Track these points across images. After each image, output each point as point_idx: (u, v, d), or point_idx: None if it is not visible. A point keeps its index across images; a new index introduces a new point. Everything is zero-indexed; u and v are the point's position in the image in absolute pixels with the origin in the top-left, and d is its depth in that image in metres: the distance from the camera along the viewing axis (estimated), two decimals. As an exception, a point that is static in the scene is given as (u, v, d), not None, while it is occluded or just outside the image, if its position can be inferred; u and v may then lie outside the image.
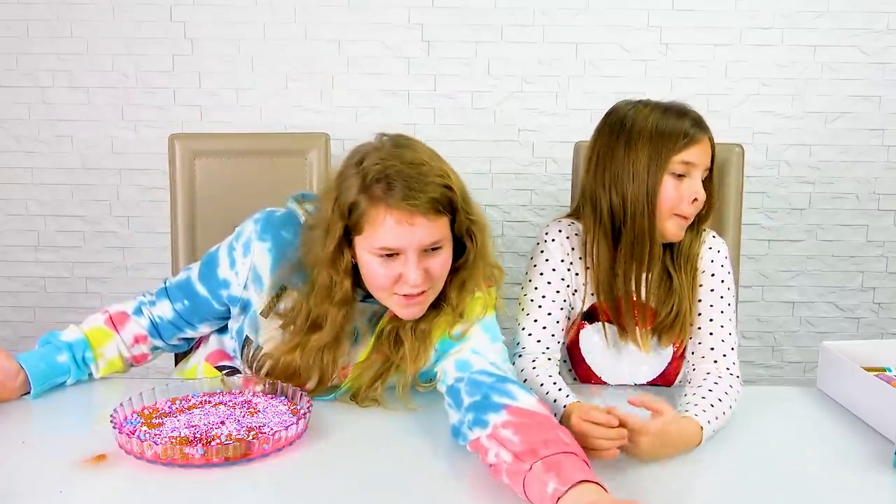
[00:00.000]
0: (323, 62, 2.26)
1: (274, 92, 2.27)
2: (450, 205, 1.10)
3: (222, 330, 1.33)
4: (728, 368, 1.26)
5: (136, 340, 1.30)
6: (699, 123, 1.27)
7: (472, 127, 2.29)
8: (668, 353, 1.36)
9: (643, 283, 1.31)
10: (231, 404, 1.16)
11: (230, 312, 1.27)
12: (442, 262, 1.13)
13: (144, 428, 1.07)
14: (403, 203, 1.05)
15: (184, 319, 1.30)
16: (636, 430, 1.02)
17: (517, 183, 2.32)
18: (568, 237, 1.34)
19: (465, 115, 2.28)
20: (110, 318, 1.30)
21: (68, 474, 0.99)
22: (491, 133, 2.29)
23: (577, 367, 1.39)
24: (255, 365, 1.24)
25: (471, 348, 1.17)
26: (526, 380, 1.22)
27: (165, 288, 1.31)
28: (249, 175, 1.73)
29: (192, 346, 1.39)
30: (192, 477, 0.99)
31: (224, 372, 1.30)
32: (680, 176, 1.25)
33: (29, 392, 1.21)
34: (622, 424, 1.03)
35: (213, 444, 1.03)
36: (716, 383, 1.20)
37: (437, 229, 1.09)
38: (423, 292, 1.13)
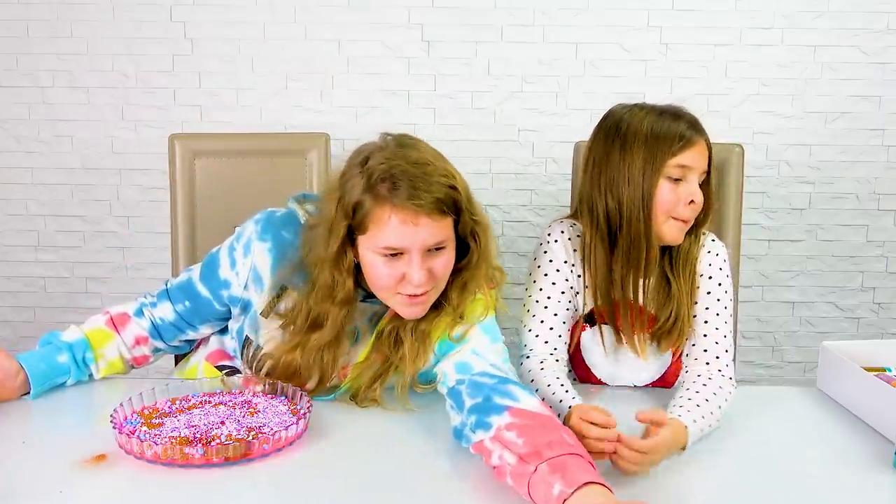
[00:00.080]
0: (323, 62, 2.26)
1: (274, 92, 2.27)
2: (454, 205, 1.10)
3: (223, 330, 1.33)
4: (720, 370, 1.25)
5: (137, 342, 1.30)
6: (695, 126, 1.26)
7: (472, 127, 2.29)
8: (667, 356, 1.35)
9: (640, 288, 1.30)
10: (231, 404, 1.16)
11: (231, 313, 1.27)
12: (445, 263, 1.13)
13: (144, 428, 1.07)
14: (408, 203, 1.05)
15: (185, 321, 1.30)
16: (625, 443, 1.01)
17: (517, 183, 2.32)
18: (570, 238, 1.33)
19: (465, 115, 2.28)
20: (111, 319, 1.30)
21: (68, 474, 0.99)
22: (491, 133, 2.29)
23: (577, 368, 1.39)
24: (255, 365, 1.24)
25: (471, 349, 1.17)
26: (533, 380, 1.22)
27: (166, 289, 1.31)
28: (249, 175, 1.73)
29: (193, 347, 1.39)
30: (192, 477, 0.99)
31: (224, 372, 1.30)
32: (676, 180, 1.25)
33: (29, 392, 1.21)
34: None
35: (213, 444, 1.03)
36: (704, 385, 1.20)
37: (441, 229, 1.09)
38: (425, 292, 1.13)
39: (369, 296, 1.19)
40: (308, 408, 1.12)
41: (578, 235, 1.34)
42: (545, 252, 1.33)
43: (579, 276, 1.33)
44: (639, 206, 1.24)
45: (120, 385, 1.29)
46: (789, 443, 1.14)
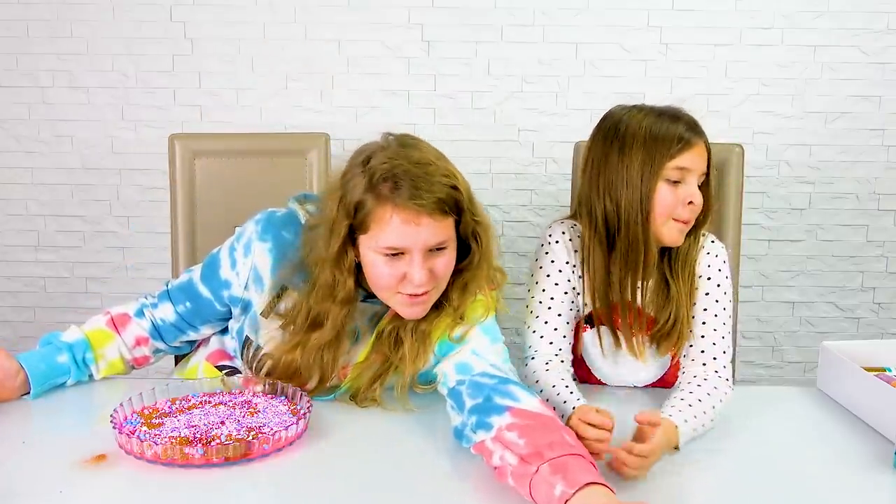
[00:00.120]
0: (323, 62, 2.26)
1: (274, 92, 2.27)
2: (456, 205, 1.10)
3: (223, 330, 1.33)
4: (717, 371, 1.25)
5: (138, 342, 1.30)
6: (694, 128, 1.25)
7: (472, 127, 2.29)
8: (666, 358, 1.35)
9: (639, 291, 1.30)
10: (231, 404, 1.16)
11: (232, 313, 1.27)
12: (446, 263, 1.13)
13: (144, 428, 1.07)
14: (410, 202, 1.05)
15: (186, 321, 1.30)
16: (627, 448, 1.00)
17: (517, 183, 2.32)
18: (571, 239, 1.33)
19: (465, 115, 2.28)
20: (112, 319, 1.30)
21: (68, 474, 0.99)
22: (491, 133, 2.29)
23: (577, 369, 1.38)
24: (255, 365, 1.24)
25: (471, 350, 1.17)
26: (538, 381, 1.22)
27: (167, 290, 1.31)
28: (249, 175, 1.73)
29: (193, 347, 1.39)
30: (192, 477, 0.99)
31: (224, 372, 1.30)
32: (675, 182, 1.24)
33: (29, 392, 1.21)
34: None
35: (213, 444, 1.03)
36: (699, 385, 1.20)
37: (443, 230, 1.10)
38: (426, 292, 1.12)
39: (370, 296, 1.19)
40: (308, 408, 1.12)
41: (579, 236, 1.33)
42: (547, 253, 1.33)
43: (580, 276, 1.33)
44: (637, 209, 1.24)
45: (120, 385, 1.29)
46: (789, 443, 1.15)
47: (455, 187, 1.10)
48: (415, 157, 1.09)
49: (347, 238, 1.12)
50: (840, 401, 1.27)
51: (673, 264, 1.31)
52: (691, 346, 1.29)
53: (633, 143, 1.24)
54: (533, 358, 1.28)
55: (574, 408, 1.11)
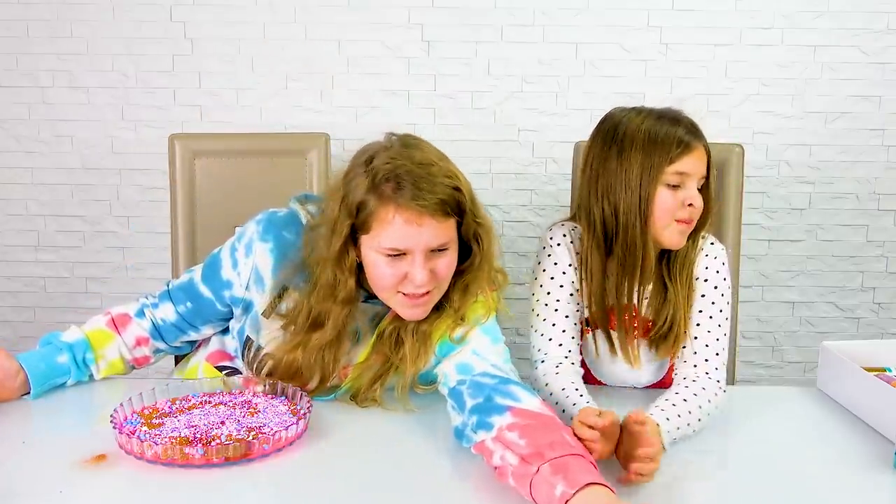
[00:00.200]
0: (323, 62, 2.26)
1: (274, 92, 2.27)
2: (458, 207, 1.10)
3: (224, 330, 1.33)
4: (707, 372, 1.24)
5: (138, 342, 1.30)
6: (693, 131, 1.25)
7: (472, 127, 2.29)
8: (665, 360, 1.35)
9: (635, 295, 1.29)
10: (231, 404, 1.16)
11: (233, 313, 1.27)
12: (447, 264, 1.13)
13: (144, 428, 1.07)
14: (412, 203, 1.05)
15: (187, 321, 1.30)
16: (642, 455, 0.99)
17: (517, 183, 2.32)
18: (572, 241, 1.32)
19: (465, 115, 2.28)
20: (112, 319, 1.30)
21: (68, 474, 0.99)
22: (491, 133, 2.29)
23: (579, 368, 1.38)
24: (256, 365, 1.24)
25: (472, 350, 1.17)
26: (547, 384, 1.21)
27: (168, 290, 1.31)
28: (249, 175, 1.73)
29: (193, 347, 1.39)
30: (192, 477, 0.99)
31: (224, 372, 1.30)
32: (675, 186, 1.23)
33: (29, 392, 1.21)
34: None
35: (213, 444, 1.03)
36: (687, 387, 1.19)
37: (445, 231, 1.10)
38: (427, 292, 1.12)
39: (371, 297, 1.19)
40: (308, 408, 1.12)
41: (580, 238, 1.33)
42: (549, 255, 1.32)
43: (582, 279, 1.33)
44: (636, 213, 1.23)
45: (120, 385, 1.29)
46: (789, 443, 1.14)
47: (457, 188, 1.10)
48: (417, 158, 1.09)
49: (349, 238, 1.12)
50: (840, 401, 1.27)
51: (671, 267, 1.30)
52: (684, 347, 1.28)
53: (632, 146, 1.23)
54: (543, 361, 1.27)
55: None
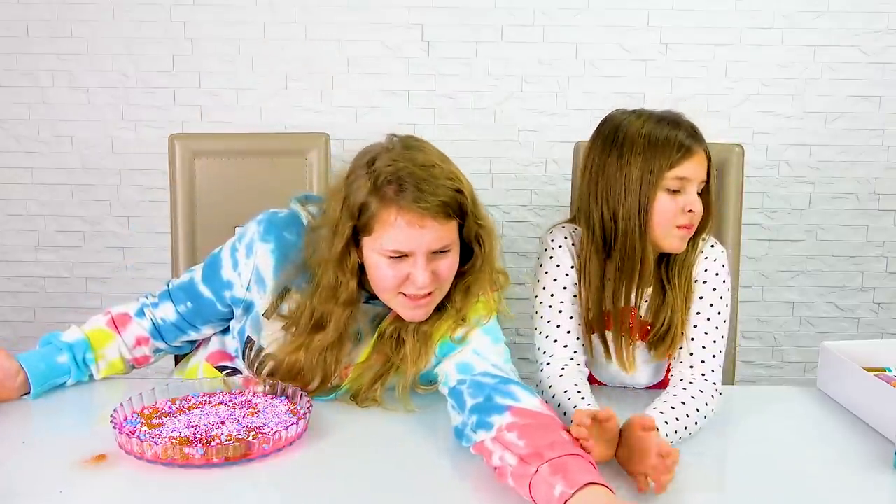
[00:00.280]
0: (323, 62, 2.26)
1: (274, 92, 2.27)
2: (459, 209, 1.10)
3: (224, 330, 1.33)
4: (703, 374, 1.23)
5: (138, 342, 1.30)
6: (694, 135, 1.24)
7: (472, 127, 2.29)
8: (663, 362, 1.35)
9: (634, 298, 1.29)
10: (231, 404, 1.16)
11: (233, 314, 1.27)
12: (449, 265, 1.13)
13: (144, 428, 1.07)
14: (414, 205, 1.05)
15: (187, 321, 1.30)
16: (664, 456, 0.97)
17: (517, 183, 2.32)
18: (574, 243, 1.32)
19: (465, 115, 2.28)
20: (112, 319, 1.30)
21: (68, 474, 0.99)
22: (491, 133, 2.29)
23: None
24: (257, 365, 1.24)
25: (472, 350, 1.17)
26: (551, 386, 1.21)
27: (168, 290, 1.31)
28: (249, 175, 1.73)
29: (194, 347, 1.39)
30: (192, 477, 0.99)
31: (224, 372, 1.30)
32: (675, 191, 1.23)
33: (29, 392, 1.21)
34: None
35: (213, 444, 1.03)
36: (684, 389, 1.19)
37: (447, 233, 1.10)
38: (429, 294, 1.13)
39: (372, 297, 1.19)
40: (308, 408, 1.12)
41: (581, 240, 1.33)
42: (551, 257, 1.31)
43: (581, 282, 1.32)
44: (635, 218, 1.22)
45: (120, 385, 1.29)
46: (789, 443, 1.15)
47: (459, 190, 1.10)
48: (419, 160, 1.09)
49: (351, 240, 1.12)
50: (840, 401, 1.27)
51: (670, 270, 1.29)
52: (681, 348, 1.28)
53: (632, 150, 1.22)
54: (548, 363, 1.26)
55: None
